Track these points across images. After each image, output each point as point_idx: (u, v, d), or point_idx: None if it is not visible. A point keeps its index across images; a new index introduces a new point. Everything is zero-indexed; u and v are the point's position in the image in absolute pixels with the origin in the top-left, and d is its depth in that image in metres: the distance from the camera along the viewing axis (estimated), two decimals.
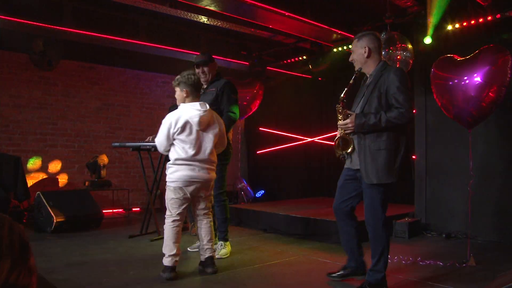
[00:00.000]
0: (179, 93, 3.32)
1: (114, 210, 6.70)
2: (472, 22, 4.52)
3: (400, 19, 5.04)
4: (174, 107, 5.14)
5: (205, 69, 4.00)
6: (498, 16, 4.29)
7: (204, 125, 3.26)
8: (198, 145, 3.24)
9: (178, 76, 3.32)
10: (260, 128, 8.30)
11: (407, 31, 5.01)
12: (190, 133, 3.21)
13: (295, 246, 4.42)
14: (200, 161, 3.25)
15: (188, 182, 3.21)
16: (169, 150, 3.27)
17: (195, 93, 3.31)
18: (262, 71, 6.97)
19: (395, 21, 4.98)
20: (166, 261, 3.15)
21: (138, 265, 3.55)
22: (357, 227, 3.04)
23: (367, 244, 2.96)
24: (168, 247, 3.15)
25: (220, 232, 4.00)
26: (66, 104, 6.71)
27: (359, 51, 2.90)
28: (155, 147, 4.56)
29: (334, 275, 3.12)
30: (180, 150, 3.21)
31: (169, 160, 3.29)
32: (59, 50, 6.21)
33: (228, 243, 4.00)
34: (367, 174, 2.76)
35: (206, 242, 3.36)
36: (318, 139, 7.57)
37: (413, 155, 5.20)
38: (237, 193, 7.64)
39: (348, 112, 2.84)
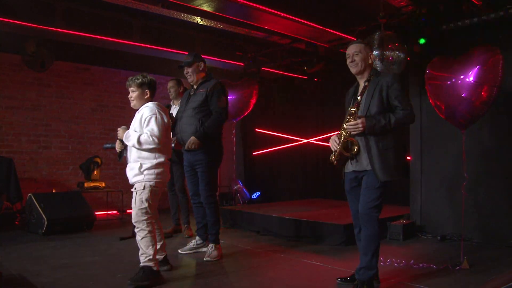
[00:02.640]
0: (139, 93, 3.22)
1: (108, 212, 6.65)
2: (467, 21, 4.47)
3: (394, 19, 4.98)
4: (167, 107, 5.12)
5: (189, 70, 3.96)
6: (493, 15, 4.25)
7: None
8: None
9: (138, 77, 3.22)
10: (257, 129, 8.25)
11: (401, 31, 4.96)
12: (167, 131, 3.27)
13: (287, 248, 4.37)
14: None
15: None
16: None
17: (154, 94, 3.31)
18: (257, 72, 6.93)
19: (389, 21, 4.93)
20: (153, 265, 3.08)
21: (126, 268, 3.48)
22: None
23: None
24: (154, 250, 3.10)
25: (211, 235, 3.94)
26: (60, 106, 6.67)
27: (365, 56, 2.97)
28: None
29: (345, 279, 3.08)
30: (166, 148, 3.24)
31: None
32: (52, 51, 6.18)
33: (219, 245, 3.95)
34: (379, 172, 2.82)
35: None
36: (314, 140, 7.52)
37: (408, 156, 5.15)
38: (233, 194, 7.59)
39: (358, 115, 2.90)
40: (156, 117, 3.12)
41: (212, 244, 3.90)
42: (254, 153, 8.33)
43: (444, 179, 4.89)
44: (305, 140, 7.68)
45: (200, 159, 3.85)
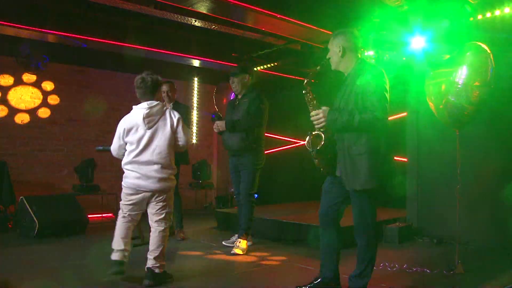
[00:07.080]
0: None
1: (103, 215, 6.61)
2: (462, 21, 4.41)
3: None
4: None
5: (235, 79, 4.31)
6: (488, 14, 4.19)
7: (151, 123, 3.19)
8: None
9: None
10: None
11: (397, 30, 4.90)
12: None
13: (280, 251, 4.30)
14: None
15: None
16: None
17: (142, 96, 3.31)
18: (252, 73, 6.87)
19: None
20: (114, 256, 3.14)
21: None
22: (340, 235, 2.91)
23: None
24: (116, 242, 3.15)
25: (242, 229, 4.28)
26: (54, 108, 6.64)
27: (334, 50, 2.81)
28: None
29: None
30: (127, 155, 3.29)
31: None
32: (46, 53, 6.15)
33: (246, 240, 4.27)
34: (349, 180, 2.66)
35: (150, 252, 3.14)
36: None
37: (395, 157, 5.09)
38: (229, 197, 7.53)
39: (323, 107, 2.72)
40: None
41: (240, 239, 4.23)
42: None
43: (442, 181, 4.79)
44: (302, 142, 7.60)
45: (245, 162, 4.36)
